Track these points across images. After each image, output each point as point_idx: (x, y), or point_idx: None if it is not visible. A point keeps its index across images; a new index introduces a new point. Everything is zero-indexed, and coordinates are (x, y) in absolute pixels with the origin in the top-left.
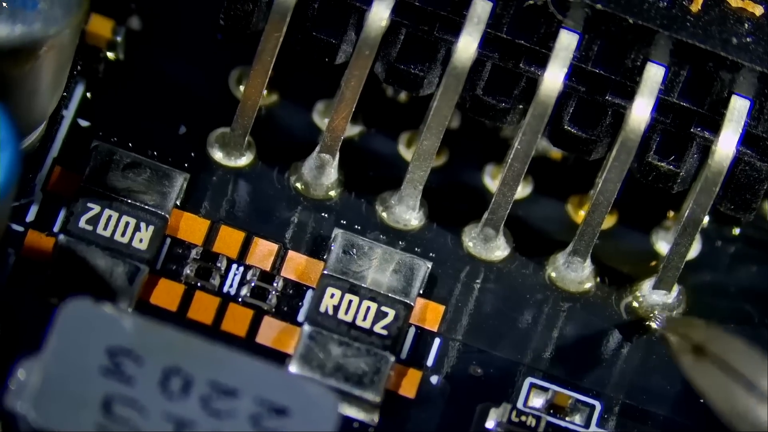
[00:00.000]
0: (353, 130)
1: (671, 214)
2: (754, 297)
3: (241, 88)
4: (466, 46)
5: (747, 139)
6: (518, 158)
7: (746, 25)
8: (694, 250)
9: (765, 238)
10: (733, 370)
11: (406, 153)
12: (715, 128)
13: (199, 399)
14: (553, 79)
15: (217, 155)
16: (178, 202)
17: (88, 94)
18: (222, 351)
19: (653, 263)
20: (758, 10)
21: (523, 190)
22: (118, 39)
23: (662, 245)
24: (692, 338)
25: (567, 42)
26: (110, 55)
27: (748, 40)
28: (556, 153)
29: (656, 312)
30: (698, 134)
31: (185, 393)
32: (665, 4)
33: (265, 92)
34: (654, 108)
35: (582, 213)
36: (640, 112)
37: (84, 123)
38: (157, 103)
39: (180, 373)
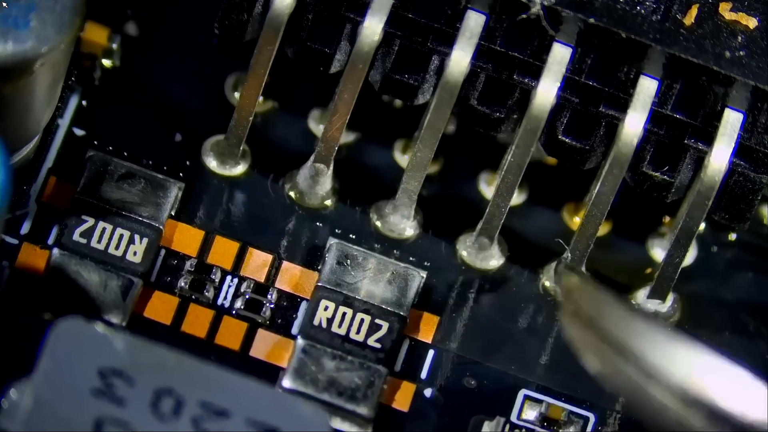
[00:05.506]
0: (348, 137)
1: (667, 219)
2: (750, 305)
3: (236, 94)
4: (459, 61)
5: (741, 150)
6: (511, 171)
7: (739, 38)
8: (690, 257)
9: (761, 243)
10: (601, 329)
11: (402, 159)
12: (709, 140)
13: (190, 420)
14: (545, 93)
15: (212, 164)
16: (172, 213)
17: (84, 102)
18: (213, 370)
19: (649, 270)
20: (752, 23)
21: (518, 197)
22: (114, 46)
23: (658, 252)
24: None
25: (560, 56)
26: (106, 62)
27: (741, 53)
28: (551, 158)
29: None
30: (692, 146)
31: (177, 414)
32: (658, 17)
33: (261, 99)
34: (647, 120)
35: (577, 220)
36: (633, 126)
37: (79, 132)
38: (153, 110)
39: (171, 394)
